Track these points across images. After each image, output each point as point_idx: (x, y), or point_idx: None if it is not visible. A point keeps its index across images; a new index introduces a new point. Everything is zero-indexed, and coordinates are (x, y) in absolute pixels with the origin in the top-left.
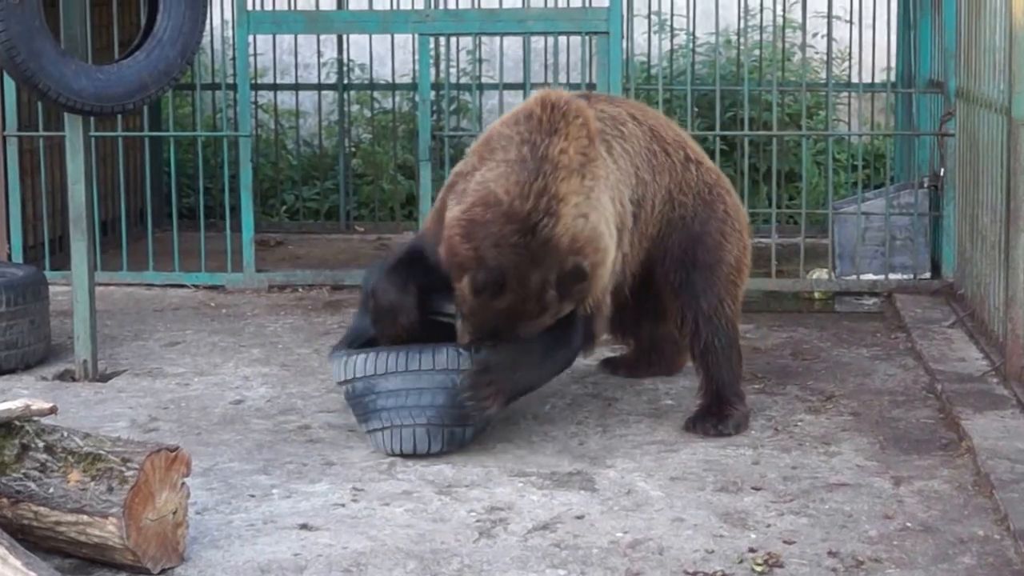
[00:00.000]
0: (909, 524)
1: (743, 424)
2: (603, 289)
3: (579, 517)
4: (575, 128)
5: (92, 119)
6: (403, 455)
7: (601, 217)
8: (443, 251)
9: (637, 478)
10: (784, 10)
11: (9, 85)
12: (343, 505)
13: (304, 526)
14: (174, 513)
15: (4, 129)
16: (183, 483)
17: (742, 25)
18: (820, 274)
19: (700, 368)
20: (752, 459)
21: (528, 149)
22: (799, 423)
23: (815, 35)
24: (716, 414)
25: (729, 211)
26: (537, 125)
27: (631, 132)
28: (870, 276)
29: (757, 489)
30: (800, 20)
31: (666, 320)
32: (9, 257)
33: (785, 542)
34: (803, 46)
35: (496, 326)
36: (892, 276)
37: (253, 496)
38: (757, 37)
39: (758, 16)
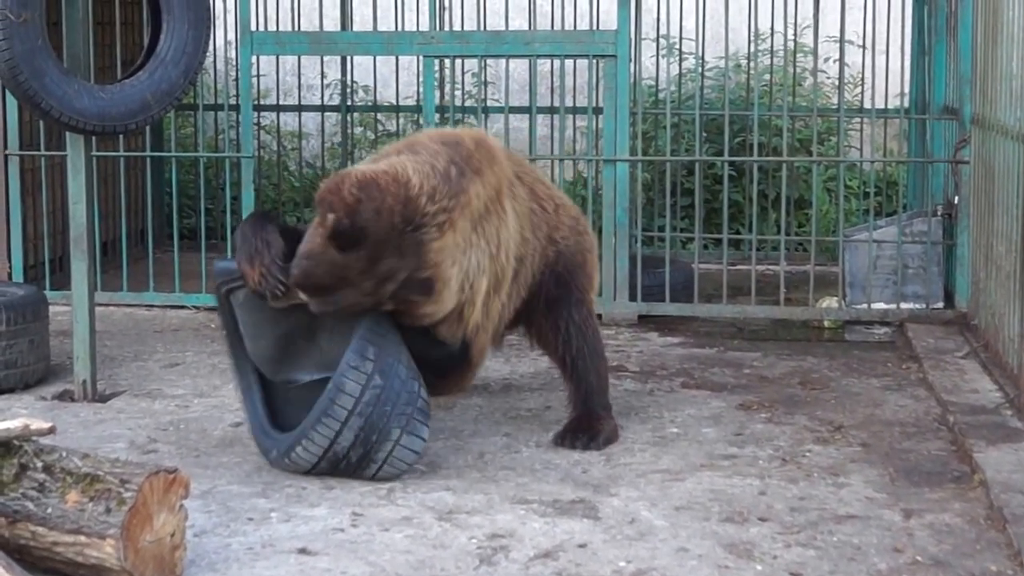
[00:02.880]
0: (919, 558)
1: (613, 437)
2: (473, 326)
3: (581, 546)
4: (492, 177)
5: (94, 139)
6: None
7: (460, 273)
8: (327, 186)
9: (641, 507)
10: (796, 34)
11: (11, 104)
12: (342, 530)
13: (303, 550)
14: (172, 535)
15: (6, 148)
16: (181, 505)
17: (752, 49)
18: (830, 302)
19: (570, 379)
20: (759, 489)
21: (454, 169)
22: (807, 453)
23: (827, 60)
24: (587, 429)
25: (594, 242)
26: (466, 156)
27: (519, 193)
28: (881, 305)
29: (764, 520)
30: (812, 44)
31: None
32: (9, 276)
33: (792, 574)
34: (815, 71)
35: (323, 280)
36: (904, 305)
37: (252, 519)
38: (768, 61)
39: (769, 40)
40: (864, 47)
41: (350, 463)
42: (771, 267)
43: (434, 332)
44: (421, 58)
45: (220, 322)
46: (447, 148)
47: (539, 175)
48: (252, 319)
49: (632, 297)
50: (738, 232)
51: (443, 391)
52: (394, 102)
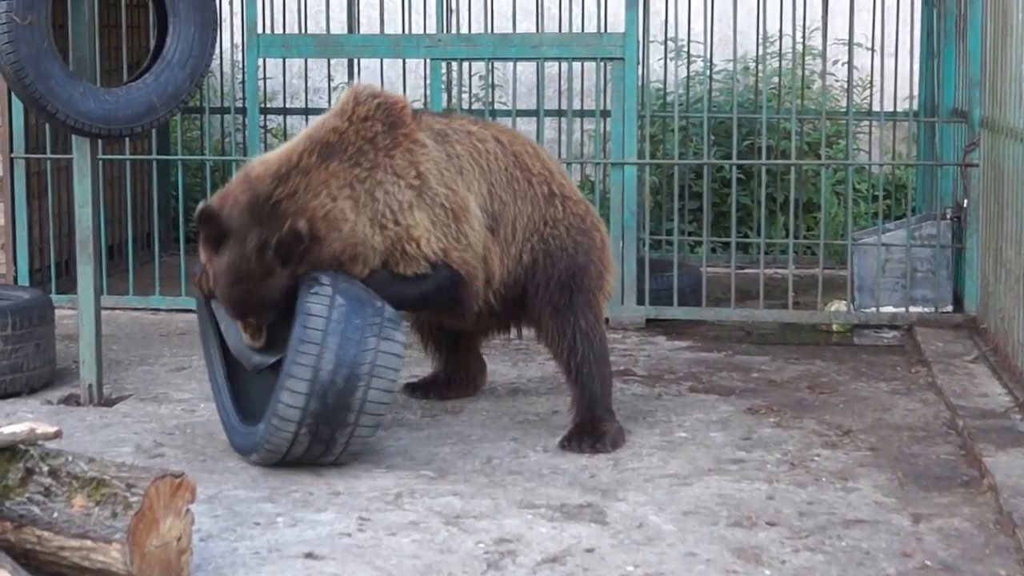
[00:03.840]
0: (928, 563)
1: (619, 440)
2: (433, 250)
3: (589, 550)
4: (364, 110)
5: (100, 142)
6: None
7: (356, 204)
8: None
9: (649, 511)
10: (804, 37)
11: (17, 107)
12: (349, 535)
13: (309, 555)
14: (178, 540)
15: (11, 151)
16: (188, 510)
17: (760, 52)
18: (839, 306)
19: (575, 384)
20: (767, 494)
21: (314, 128)
22: (816, 458)
23: (836, 62)
24: (592, 432)
25: (605, 240)
26: (335, 112)
27: (490, 150)
28: (890, 309)
29: (772, 524)
30: (820, 47)
31: (475, 342)
32: (15, 280)
33: None
34: (823, 74)
35: (232, 293)
36: (913, 309)
37: (258, 524)
38: (776, 64)
39: (777, 43)
40: (873, 50)
41: (338, 389)
42: (779, 270)
43: (395, 270)
44: (428, 61)
45: (199, 322)
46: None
47: (537, 151)
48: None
49: (640, 301)
50: (746, 235)
51: (457, 320)
52: None
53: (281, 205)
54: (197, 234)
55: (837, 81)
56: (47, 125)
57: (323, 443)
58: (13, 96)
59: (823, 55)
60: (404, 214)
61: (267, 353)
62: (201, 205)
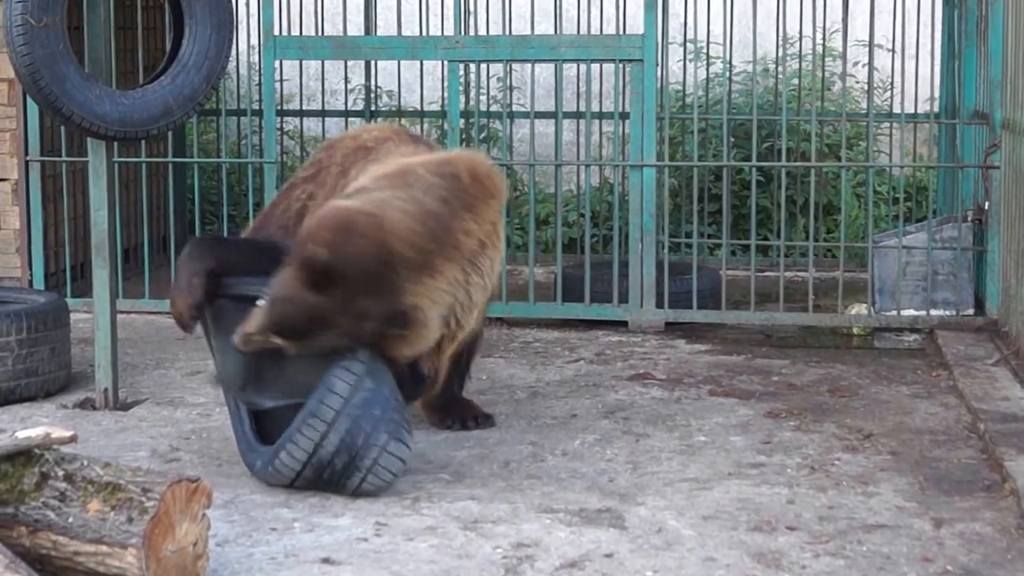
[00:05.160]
0: (950, 568)
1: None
2: (446, 357)
3: (608, 555)
4: (487, 211)
5: (116, 144)
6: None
7: (442, 311)
8: (308, 224)
9: (668, 516)
10: (824, 38)
11: (32, 109)
12: (366, 539)
13: (326, 560)
14: (194, 545)
15: (27, 154)
16: (204, 514)
17: (780, 53)
18: (859, 309)
19: (456, 368)
20: (787, 498)
21: (445, 207)
22: (836, 462)
23: (856, 64)
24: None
25: None
26: (460, 191)
27: None
28: (911, 312)
29: (792, 529)
30: (840, 48)
31: None
32: (30, 284)
33: None
34: (843, 75)
35: (297, 322)
36: (934, 312)
37: (275, 529)
38: (796, 65)
39: (797, 44)
40: (893, 51)
41: (334, 471)
42: (799, 273)
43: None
44: (446, 63)
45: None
46: (441, 181)
47: None
48: (220, 337)
49: (659, 304)
50: (766, 238)
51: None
52: (419, 107)
53: (399, 276)
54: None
55: (857, 83)
56: (62, 127)
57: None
58: (28, 98)
59: (843, 56)
60: (466, 316)
61: (261, 394)
62: (318, 251)
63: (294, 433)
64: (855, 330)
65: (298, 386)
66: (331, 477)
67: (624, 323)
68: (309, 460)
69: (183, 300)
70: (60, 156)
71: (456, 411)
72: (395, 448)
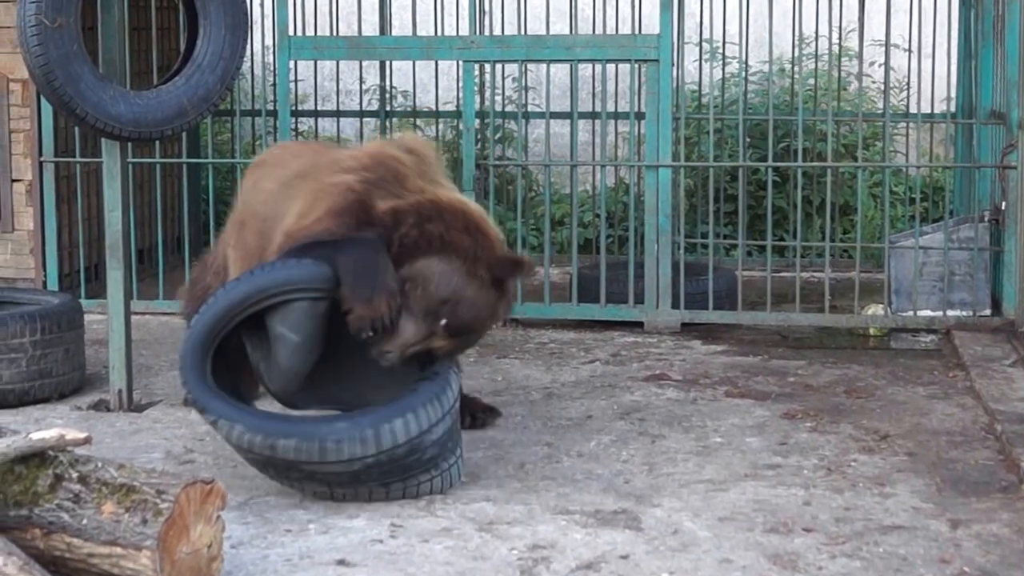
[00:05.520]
0: (967, 569)
1: None
2: None
3: (624, 557)
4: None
5: (130, 145)
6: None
7: None
8: (411, 223)
9: (684, 518)
10: (840, 38)
11: (46, 110)
12: (381, 541)
13: (341, 562)
14: (209, 547)
15: (41, 154)
16: (219, 516)
17: (796, 53)
18: (876, 310)
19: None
20: (804, 499)
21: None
22: (853, 463)
23: (872, 64)
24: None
25: None
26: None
27: None
28: (927, 312)
29: (808, 531)
30: (857, 48)
31: None
32: (44, 285)
33: None
34: (860, 75)
35: (472, 322)
36: (950, 313)
37: (290, 531)
38: (812, 65)
39: (813, 44)
40: (910, 51)
41: (402, 463)
42: (816, 274)
43: None
44: (461, 63)
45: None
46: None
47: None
48: (305, 332)
49: (675, 304)
50: (782, 239)
51: None
52: (433, 107)
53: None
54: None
55: (874, 83)
56: (76, 128)
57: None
58: (42, 99)
59: (859, 56)
60: None
61: (302, 396)
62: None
63: (416, 407)
64: (871, 331)
65: (333, 395)
66: (390, 468)
67: (640, 324)
68: (411, 440)
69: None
70: (74, 157)
71: (464, 406)
72: (462, 458)
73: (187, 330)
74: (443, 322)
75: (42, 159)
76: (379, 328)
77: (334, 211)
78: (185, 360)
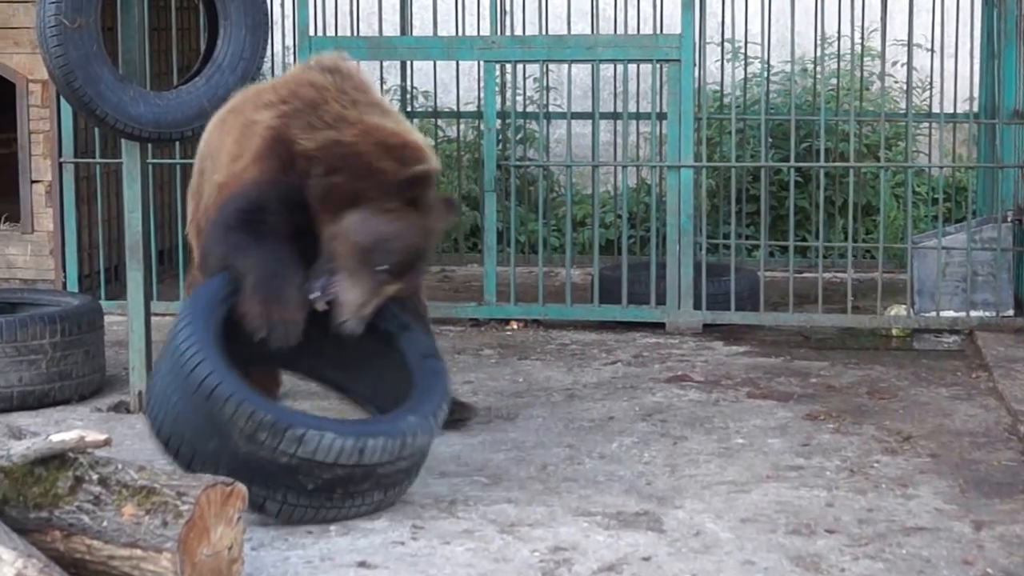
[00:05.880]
0: (990, 570)
1: None
2: None
3: (646, 559)
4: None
5: (150, 146)
6: None
7: None
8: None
9: (706, 519)
10: (863, 38)
11: (66, 110)
12: (402, 543)
13: (362, 564)
14: (230, 549)
15: (60, 155)
16: (239, 518)
17: (819, 53)
18: (898, 310)
19: None
20: (826, 501)
21: (363, 96)
22: (875, 464)
23: (894, 63)
24: None
25: None
26: (355, 79)
27: None
28: (950, 313)
29: (831, 532)
30: (879, 48)
31: None
32: (64, 286)
33: None
34: (882, 75)
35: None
36: (973, 313)
37: (310, 532)
38: (834, 65)
39: (835, 44)
40: (932, 51)
41: (400, 469)
42: (838, 274)
43: None
44: (482, 63)
45: None
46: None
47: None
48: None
49: (697, 305)
50: (804, 239)
51: None
52: (454, 108)
53: None
54: None
55: (896, 82)
56: (96, 129)
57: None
58: (62, 100)
59: (882, 56)
60: None
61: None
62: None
63: (435, 408)
64: (894, 331)
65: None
66: (387, 474)
67: (661, 325)
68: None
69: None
70: (94, 158)
71: None
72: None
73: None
74: (383, 268)
75: (62, 160)
76: (277, 330)
77: (257, 155)
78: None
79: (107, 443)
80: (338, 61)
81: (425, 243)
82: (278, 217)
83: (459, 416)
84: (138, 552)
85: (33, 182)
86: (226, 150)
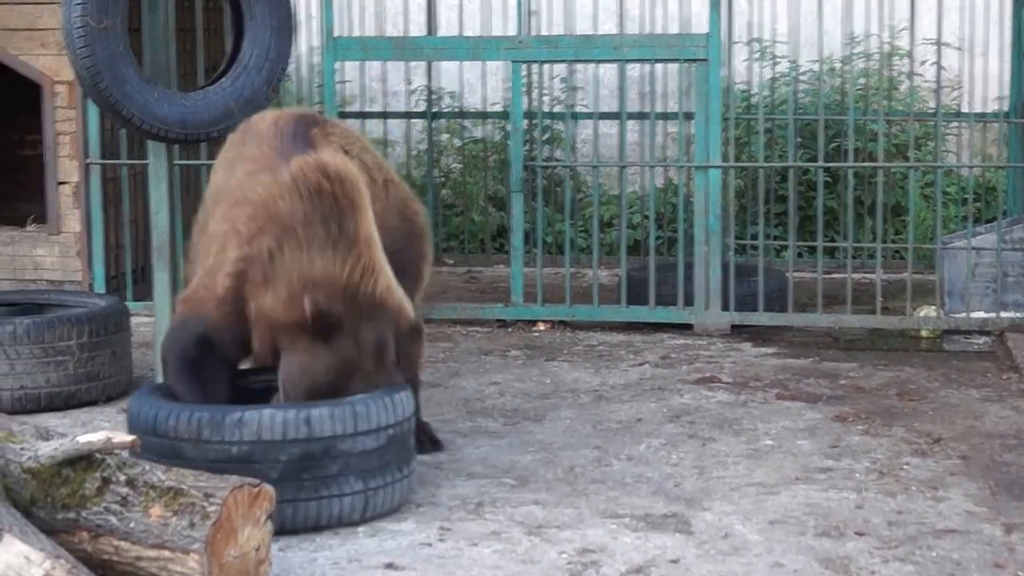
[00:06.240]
0: (1021, 573)
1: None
2: None
3: (674, 561)
4: (363, 199)
5: (176, 147)
6: None
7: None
8: (273, 318)
9: (735, 521)
10: (891, 37)
11: (92, 112)
12: (430, 544)
13: (390, 565)
14: (257, 550)
15: (87, 157)
16: (266, 519)
17: (847, 52)
18: (928, 312)
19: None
20: (856, 503)
21: (335, 227)
22: (905, 466)
23: (924, 63)
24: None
25: (424, 226)
26: (332, 202)
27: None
28: (980, 314)
29: (861, 534)
30: (908, 47)
31: None
32: (91, 287)
33: None
34: (911, 74)
35: (331, 383)
36: (1004, 314)
37: (337, 534)
38: (863, 65)
39: (863, 43)
40: (962, 49)
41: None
42: (867, 275)
43: None
44: (509, 63)
45: None
46: (312, 206)
47: (363, 142)
48: None
49: (725, 306)
50: (833, 240)
51: None
52: (481, 108)
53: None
54: None
55: (925, 82)
56: (123, 130)
57: None
58: (89, 101)
59: (911, 55)
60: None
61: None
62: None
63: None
64: (924, 333)
65: None
66: None
67: (689, 326)
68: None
69: None
70: (120, 159)
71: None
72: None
73: None
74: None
75: (88, 161)
76: None
77: (218, 298)
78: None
79: (134, 444)
80: (322, 181)
81: (342, 371)
82: (225, 359)
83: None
84: (166, 553)
85: (60, 184)
86: (212, 229)
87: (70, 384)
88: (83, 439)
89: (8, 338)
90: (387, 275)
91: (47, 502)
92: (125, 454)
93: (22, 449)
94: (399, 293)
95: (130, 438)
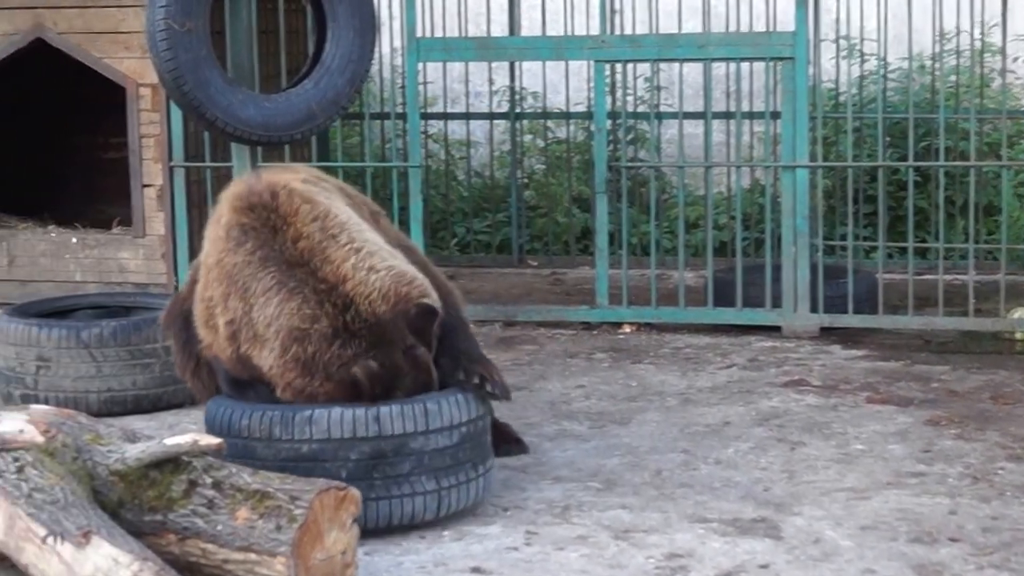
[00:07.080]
0: None
1: None
2: None
3: (764, 566)
4: (307, 204)
5: (259, 149)
6: None
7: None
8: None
9: (825, 526)
10: (982, 33)
11: (176, 115)
12: (516, 549)
13: (476, 569)
14: (343, 553)
15: (171, 159)
16: (353, 522)
17: (937, 49)
18: (1022, 313)
19: None
20: (949, 508)
21: (280, 261)
22: (1000, 471)
23: (1016, 59)
24: None
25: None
26: (269, 231)
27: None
28: None
29: (954, 540)
30: (999, 44)
31: None
32: (176, 290)
33: None
34: (1003, 71)
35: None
36: None
37: (424, 538)
38: (953, 62)
39: (954, 40)
40: None
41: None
42: (959, 276)
43: None
44: (592, 63)
45: None
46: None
47: (337, 182)
48: None
49: (813, 308)
50: (924, 240)
51: None
52: (564, 108)
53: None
54: None
55: (1018, 79)
56: (206, 133)
57: None
58: (172, 104)
59: (1003, 52)
60: None
61: None
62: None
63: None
64: (1018, 335)
65: None
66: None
67: (777, 328)
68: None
69: None
70: (204, 161)
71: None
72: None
73: None
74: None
75: (172, 164)
76: None
77: (230, 362)
78: None
79: (220, 447)
80: (247, 213)
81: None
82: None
83: (507, 451)
84: (252, 556)
85: (144, 186)
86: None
87: (156, 387)
88: (170, 441)
89: (95, 341)
90: (371, 280)
91: (134, 504)
92: (212, 457)
93: (109, 451)
94: (392, 282)
95: (216, 441)
